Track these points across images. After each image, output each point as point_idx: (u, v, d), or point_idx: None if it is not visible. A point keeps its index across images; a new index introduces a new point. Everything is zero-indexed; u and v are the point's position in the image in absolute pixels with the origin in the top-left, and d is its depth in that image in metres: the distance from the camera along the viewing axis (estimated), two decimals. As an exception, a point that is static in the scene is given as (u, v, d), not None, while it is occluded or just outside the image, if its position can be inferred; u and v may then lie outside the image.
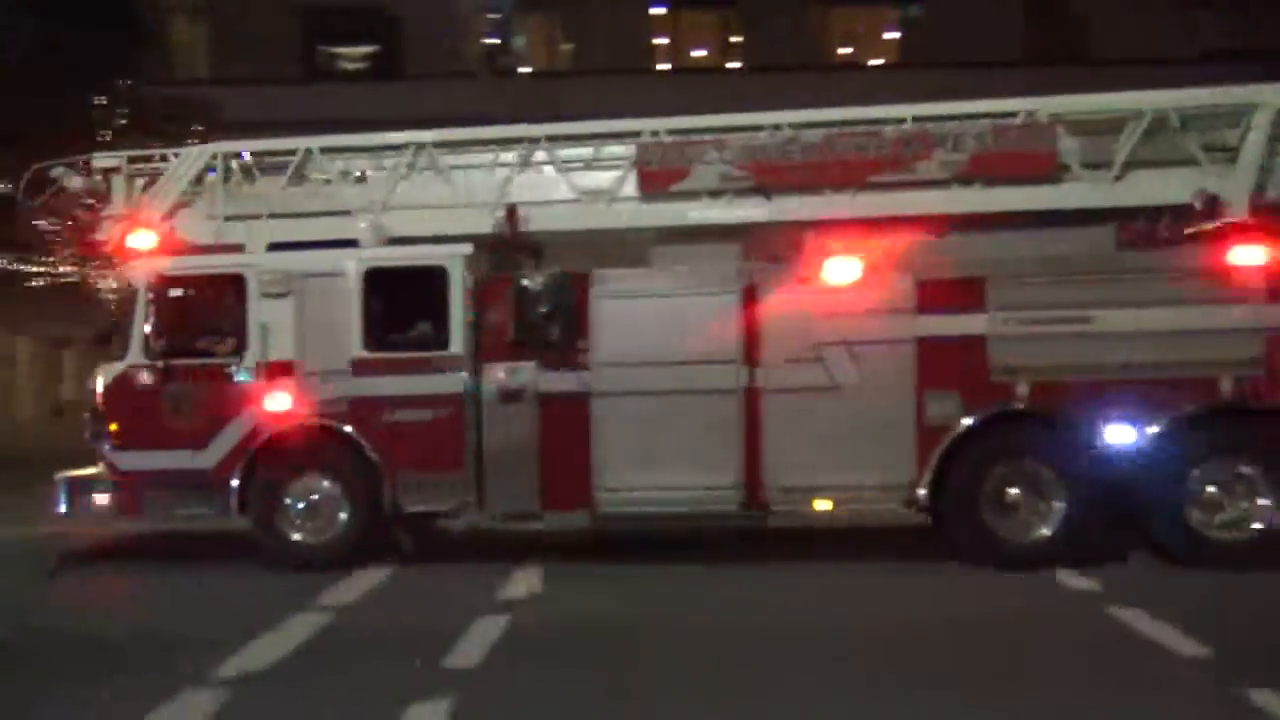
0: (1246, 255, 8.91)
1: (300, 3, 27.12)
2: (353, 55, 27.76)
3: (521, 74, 27.71)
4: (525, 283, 9.51)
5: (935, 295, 9.17)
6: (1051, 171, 9.62)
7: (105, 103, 20.80)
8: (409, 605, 8.50)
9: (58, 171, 10.45)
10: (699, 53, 29.37)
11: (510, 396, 9.48)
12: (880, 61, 28.63)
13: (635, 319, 9.41)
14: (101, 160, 10.67)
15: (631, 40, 27.84)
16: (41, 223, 11.57)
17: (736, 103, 10.55)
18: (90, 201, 10.51)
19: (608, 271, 9.59)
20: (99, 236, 10.54)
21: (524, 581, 8.91)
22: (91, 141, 16.81)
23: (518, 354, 9.53)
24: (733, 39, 28.92)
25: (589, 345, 9.45)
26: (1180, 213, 9.42)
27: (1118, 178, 9.59)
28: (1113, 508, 9.08)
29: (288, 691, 6.14)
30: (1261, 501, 8.95)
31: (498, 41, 27.86)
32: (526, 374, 9.49)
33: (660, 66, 28.63)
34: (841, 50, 29.05)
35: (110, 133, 19.62)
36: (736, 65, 28.32)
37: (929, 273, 9.21)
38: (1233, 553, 8.87)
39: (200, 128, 19.63)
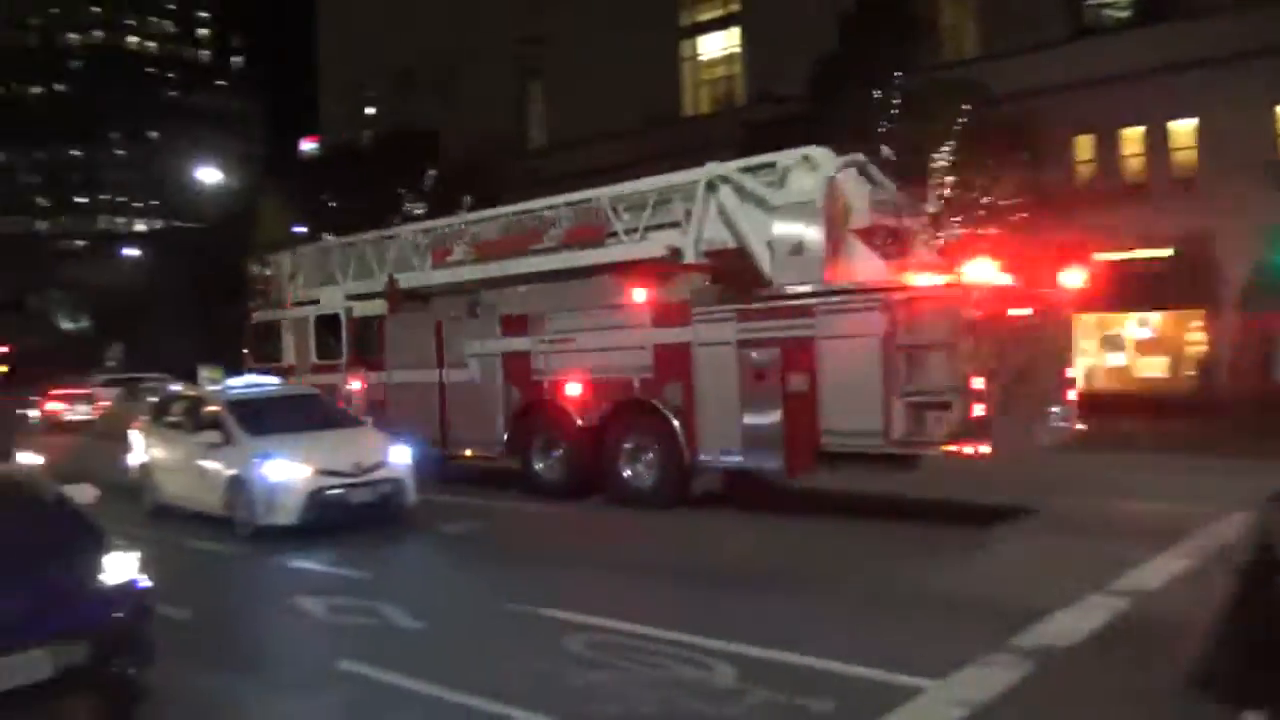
0: (642, 293, 13.07)
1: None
2: (1120, 3, 26.76)
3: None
4: (358, 321, 16.96)
5: (509, 325, 14.65)
6: (604, 239, 14.29)
7: (881, 95, 22.45)
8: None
9: (253, 266, 20.29)
10: None
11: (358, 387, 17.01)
12: None
13: (402, 342, 16.28)
14: (272, 255, 20.24)
15: None
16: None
17: None
18: (270, 278, 20.14)
19: (395, 316, 16.54)
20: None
21: None
22: (870, 131, 19.81)
23: (367, 362, 16.96)
24: None
25: (385, 358, 16.51)
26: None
27: (641, 239, 13.96)
28: (590, 464, 13.77)
29: (1075, 673, 6.44)
30: (652, 463, 13.03)
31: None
32: (365, 374, 16.90)
33: None
34: None
35: (887, 122, 21.53)
36: None
37: (507, 310, 14.71)
38: (643, 496, 13.09)
39: (967, 107, 20.37)
